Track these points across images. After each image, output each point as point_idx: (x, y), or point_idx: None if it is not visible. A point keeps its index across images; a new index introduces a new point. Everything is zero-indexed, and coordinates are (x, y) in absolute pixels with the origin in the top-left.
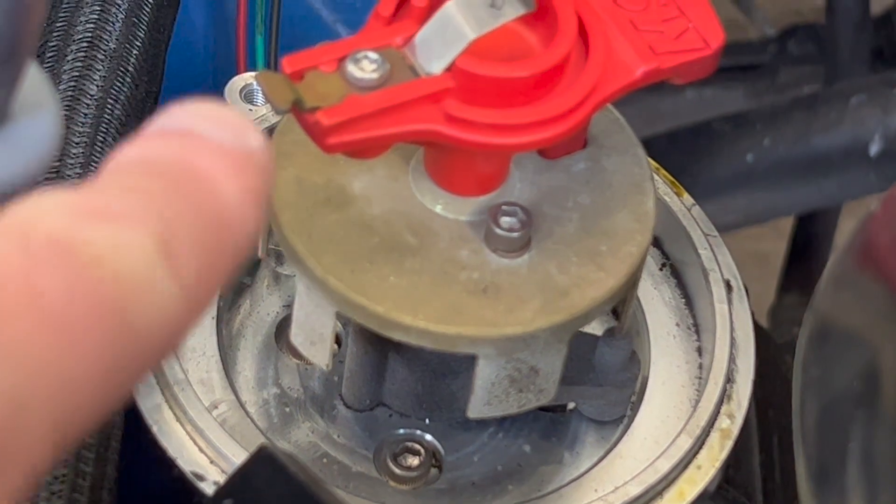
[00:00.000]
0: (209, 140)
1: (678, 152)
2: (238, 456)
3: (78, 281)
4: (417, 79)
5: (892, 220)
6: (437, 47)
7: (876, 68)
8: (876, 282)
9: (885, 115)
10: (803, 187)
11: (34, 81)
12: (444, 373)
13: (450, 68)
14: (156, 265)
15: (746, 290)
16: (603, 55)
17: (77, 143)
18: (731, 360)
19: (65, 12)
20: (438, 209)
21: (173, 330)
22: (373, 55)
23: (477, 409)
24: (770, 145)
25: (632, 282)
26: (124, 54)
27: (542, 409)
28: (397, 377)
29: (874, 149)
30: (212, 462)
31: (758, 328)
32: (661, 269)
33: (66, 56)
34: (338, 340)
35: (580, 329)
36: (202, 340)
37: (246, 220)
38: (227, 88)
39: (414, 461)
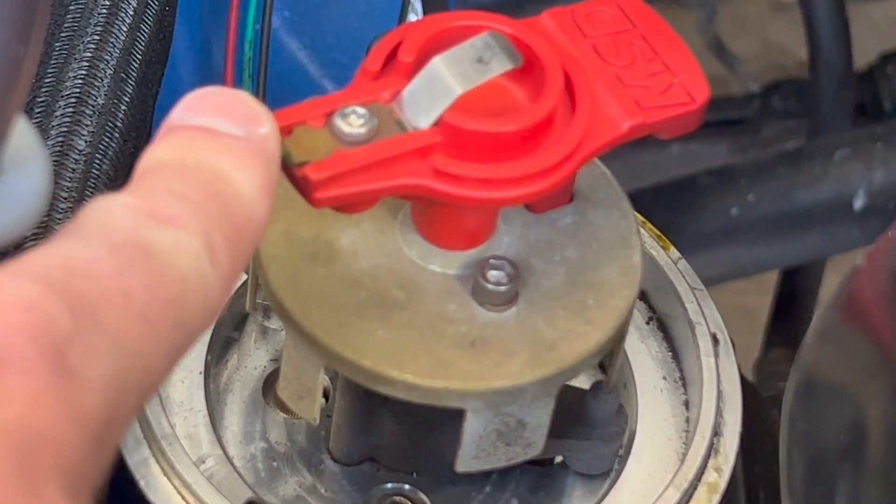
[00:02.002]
0: (226, 136)
1: (663, 206)
2: None
3: (155, 280)
4: (405, 133)
5: (876, 274)
6: (425, 102)
7: (859, 123)
8: (861, 336)
9: (868, 171)
10: (788, 242)
11: (23, 136)
12: (431, 427)
13: (437, 123)
14: (204, 262)
15: (733, 344)
16: (589, 110)
17: (65, 199)
18: (719, 413)
19: (53, 68)
20: (426, 263)
21: (214, 311)
22: (360, 110)
23: (465, 462)
24: (755, 200)
25: (619, 335)
26: (112, 110)
27: (530, 462)
28: (385, 431)
29: (858, 203)
30: None
31: (744, 382)
32: (647, 323)
33: (55, 111)
34: (325, 394)
35: (567, 382)
36: (189, 395)
37: (262, 210)
38: None
39: None
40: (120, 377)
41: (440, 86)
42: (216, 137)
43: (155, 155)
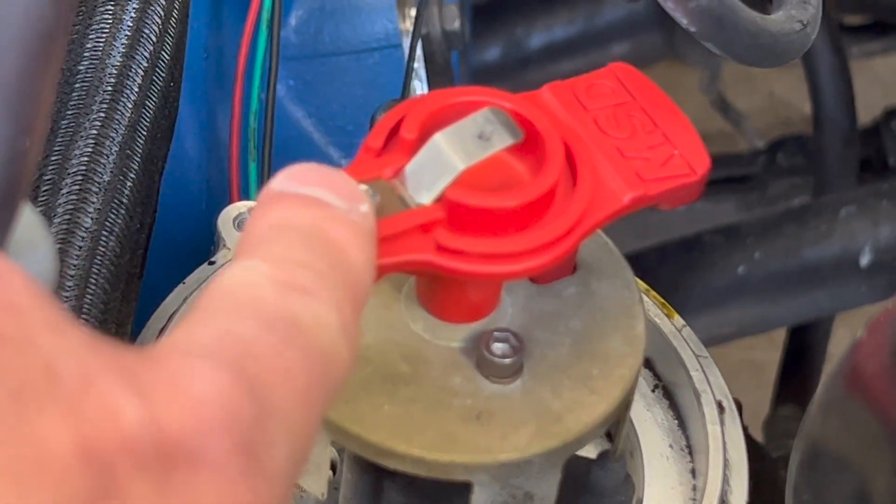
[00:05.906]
0: (335, 209)
1: (670, 265)
2: None
3: (309, 356)
4: (408, 210)
5: (878, 347)
6: (427, 178)
7: (864, 179)
8: (864, 408)
9: (874, 227)
10: (795, 299)
11: (28, 223)
12: (439, 500)
13: (439, 199)
14: (340, 335)
15: (739, 409)
16: (590, 183)
17: (72, 276)
18: (725, 481)
19: (59, 146)
20: (431, 337)
21: (346, 377)
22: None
23: None
24: (761, 258)
25: (624, 404)
26: (119, 186)
27: None
28: None
29: (864, 260)
30: None
31: (752, 443)
32: (653, 391)
33: (61, 189)
34: (332, 467)
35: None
36: None
37: (370, 281)
38: (220, 217)
39: None
40: (294, 464)
41: (442, 162)
42: (326, 208)
43: (267, 219)
